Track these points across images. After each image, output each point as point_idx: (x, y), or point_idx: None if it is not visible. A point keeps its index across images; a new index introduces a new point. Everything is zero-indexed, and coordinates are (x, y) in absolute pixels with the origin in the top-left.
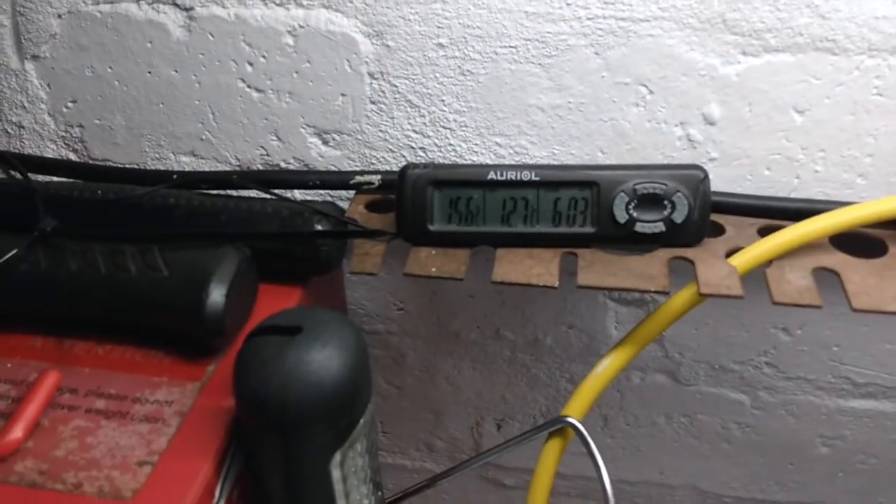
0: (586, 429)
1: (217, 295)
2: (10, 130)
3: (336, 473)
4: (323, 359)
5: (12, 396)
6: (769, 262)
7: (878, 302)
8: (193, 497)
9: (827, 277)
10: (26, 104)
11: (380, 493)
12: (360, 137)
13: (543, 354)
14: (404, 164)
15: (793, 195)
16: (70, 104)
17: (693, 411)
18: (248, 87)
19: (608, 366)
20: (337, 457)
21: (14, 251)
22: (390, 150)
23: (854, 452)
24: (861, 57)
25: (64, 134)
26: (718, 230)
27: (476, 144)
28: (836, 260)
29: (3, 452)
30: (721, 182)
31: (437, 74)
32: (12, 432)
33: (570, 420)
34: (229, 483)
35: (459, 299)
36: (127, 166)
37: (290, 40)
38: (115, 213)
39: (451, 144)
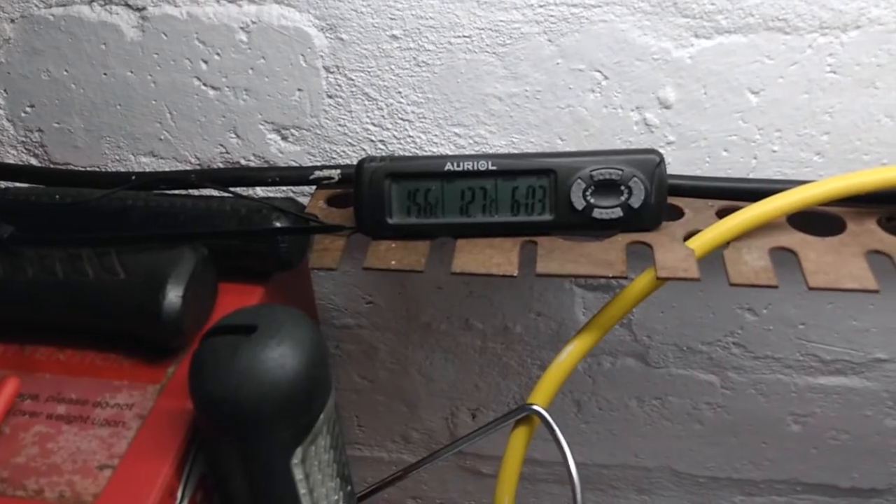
0: (561, 415)
1: (173, 296)
2: None
3: (298, 472)
4: (277, 357)
5: None
6: (727, 244)
7: (834, 279)
8: (154, 500)
9: (787, 257)
10: None
11: (349, 488)
12: (318, 132)
13: (514, 342)
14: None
15: (751, 175)
16: (28, 109)
17: (664, 393)
18: (204, 85)
19: (571, 352)
20: (298, 454)
21: None
22: (350, 143)
23: (825, 429)
24: (813, 35)
25: (24, 139)
26: (677, 213)
27: (435, 136)
28: (794, 239)
29: None
30: (680, 165)
31: (393, 66)
32: None
33: (535, 407)
34: (191, 485)
35: (428, 291)
36: (87, 169)
37: (243, 37)
38: (73, 217)
39: (410, 136)
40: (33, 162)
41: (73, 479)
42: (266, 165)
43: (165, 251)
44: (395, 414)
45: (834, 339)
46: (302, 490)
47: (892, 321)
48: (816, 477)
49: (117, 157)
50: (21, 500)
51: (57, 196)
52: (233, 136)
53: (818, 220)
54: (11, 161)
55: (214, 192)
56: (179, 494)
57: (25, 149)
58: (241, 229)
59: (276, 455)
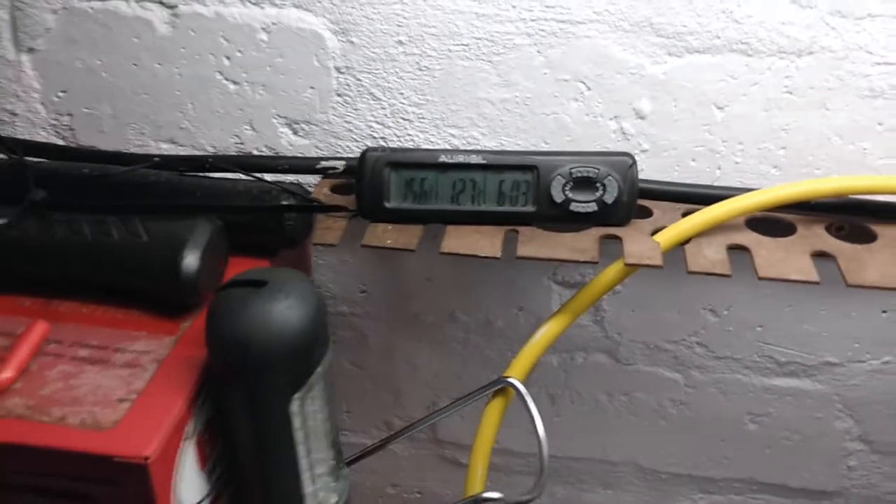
0: (535, 408)
1: (192, 257)
2: (4, 118)
3: (296, 419)
4: (284, 308)
5: (2, 345)
6: (689, 240)
7: (781, 272)
8: (167, 428)
9: (746, 260)
10: (20, 93)
11: (339, 451)
12: (326, 128)
13: (495, 336)
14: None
15: (716, 184)
16: (60, 94)
17: (632, 389)
18: (226, 79)
19: (545, 333)
20: (296, 400)
21: (6, 219)
22: (354, 139)
23: (779, 429)
24: (772, 58)
25: (54, 122)
26: (647, 213)
27: (432, 135)
28: (749, 238)
29: (3, 388)
30: (651, 171)
31: (397, 69)
32: (2, 373)
33: (510, 380)
34: (200, 424)
35: (418, 283)
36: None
37: (264, 36)
38: (99, 188)
39: (409, 135)
40: (60, 143)
41: (94, 410)
42: (276, 155)
43: (185, 220)
44: (380, 401)
45: (788, 341)
46: (298, 437)
47: (843, 327)
48: (770, 476)
49: (140, 143)
50: (45, 424)
51: (85, 169)
52: (248, 128)
53: (773, 225)
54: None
55: (229, 177)
56: (190, 429)
57: (55, 131)
58: (254, 205)
59: (276, 398)
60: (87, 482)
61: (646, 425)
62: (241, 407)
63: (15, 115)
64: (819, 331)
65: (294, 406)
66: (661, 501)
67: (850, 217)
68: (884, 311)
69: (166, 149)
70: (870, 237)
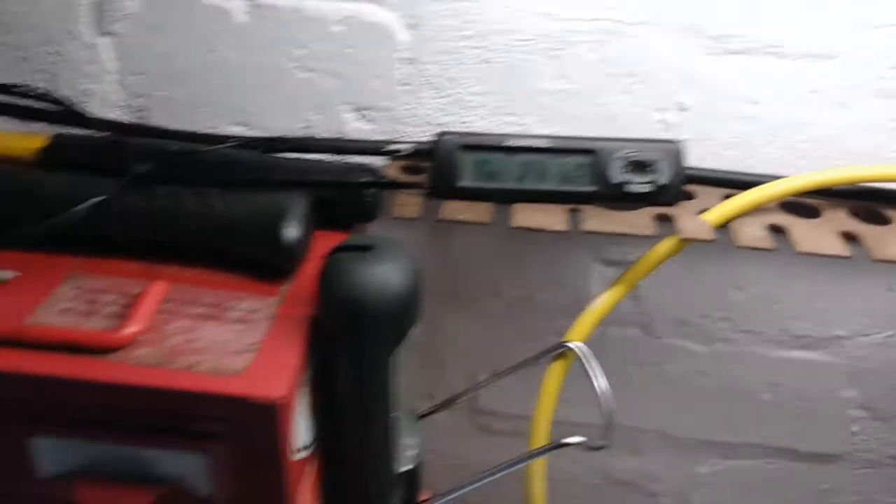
0: (574, 376)
1: (291, 226)
2: (81, 98)
3: (394, 371)
4: (389, 270)
5: (122, 303)
6: (731, 220)
7: (817, 247)
8: (290, 374)
9: (779, 238)
10: (98, 74)
11: (415, 411)
12: (391, 114)
13: (537, 311)
14: (438, 132)
15: (750, 171)
16: (137, 76)
17: (660, 361)
18: (299, 68)
19: (604, 301)
20: (396, 354)
21: (112, 191)
22: (416, 125)
23: (791, 398)
24: (800, 61)
25: (129, 103)
26: (691, 196)
27: (490, 122)
28: (784, 220)
29: (123, 342)
30: (692, 160)
31: (461, 62)
32: (129, 327)
33: (571, 344)
34: (309, 374)
35: (464, 260)
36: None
37: (338, 28)
38: (190, 165)
39: (468, 121)
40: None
41: (220, 359)
42: (347, 138)
43: (282, 193)
44: (424, 373)
45: (803, 317)
46: (393, 388)
47: (852, 303)
48: (781, 441)
49: (210, 126)
50: (177, 371)
51: (174, 147)
52: (317, 113)
53: (801, 209)
54: None
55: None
56: (303, 379)
57: (129, 111)
58: (344, 180)
59: (381, 351)
60: (217, 423)
61: (671, 395)
62: (349, 359)
63: (91, 95)
64: (831, 307)
65: (394, 359)
66: (682, 466)
67: (866, 202)
68: (889, 290)
69: (236, 132)
70: (884, 220)
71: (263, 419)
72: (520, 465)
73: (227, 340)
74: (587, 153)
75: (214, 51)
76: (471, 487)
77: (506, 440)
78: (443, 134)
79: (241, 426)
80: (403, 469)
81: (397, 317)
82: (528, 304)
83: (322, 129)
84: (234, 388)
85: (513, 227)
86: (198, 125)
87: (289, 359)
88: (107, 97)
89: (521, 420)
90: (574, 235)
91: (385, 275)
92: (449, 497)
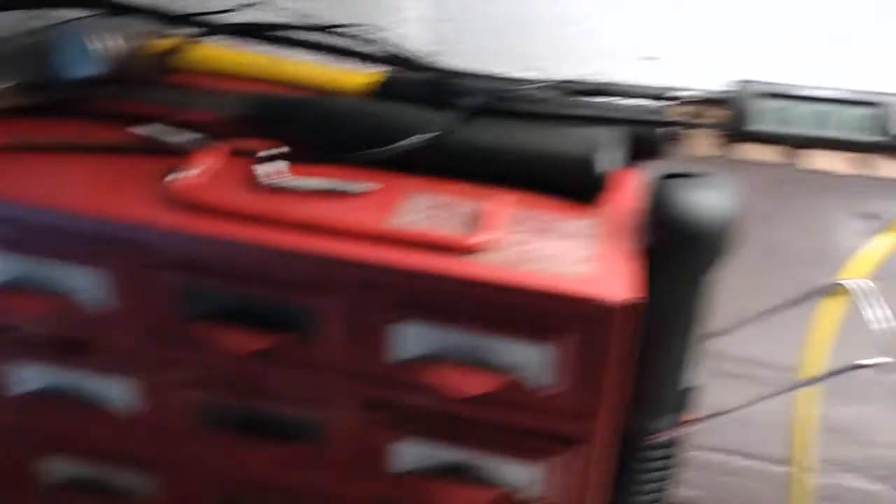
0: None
1: (605, 157)
2: (395, 41)
3: (706, 292)
4: (717, 195)
5: (469, 216)
6: None
7: None
8: (628, 280)
9: None
10: (411, 20)
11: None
12: (672, 64)
13: (792, 259)
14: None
15: None
16: (445, 23)
17: None
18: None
19: (881, 244)
20: (711, 275)
21: (448, 124)
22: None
23: None
24: None
25: (426, 48)
26: None
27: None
28: None
29: (478, 247)
30: None
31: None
32: (482, 234)
33: (844, 281)
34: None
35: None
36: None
37: None
38: (511, 101)
39: (747, 74)
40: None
41: (562, 266)
42: (639, 84)
43: (592, 129)
44: None
45: None
46: (702, 307)
47: None
48: None
49: (502, 72)
50: (528, 273)
51: (496, 85)
52: (604, 62)
53: None
54: None
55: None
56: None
57: (426, 52)
58: (653, 119)
59: (703, 269)
60: (562, 320)
61: None
62: (673, 275)
63: (403, 38)
64: None
65: (707, 280)
66: None
67: None
68: None
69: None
70: None
71: (603, 321)
72: (805, 386)
73: (565, 251)
74: (873, 105)
75: (520, 3)
76: (740, 408)
77: (741, 383)
78: (742, 82)
79: (584, 325)
80: (691, 385)
81: (721, 239)
82: (780, 254)
83: (608, 75)
84: (583, 289)
85: (799, 170)
86: (495, 71)
87: (625, 269)
88: (412, 42)
89: (758, 366)
90: (832, 188)
91: (713, 199)
92: (721, 413)
